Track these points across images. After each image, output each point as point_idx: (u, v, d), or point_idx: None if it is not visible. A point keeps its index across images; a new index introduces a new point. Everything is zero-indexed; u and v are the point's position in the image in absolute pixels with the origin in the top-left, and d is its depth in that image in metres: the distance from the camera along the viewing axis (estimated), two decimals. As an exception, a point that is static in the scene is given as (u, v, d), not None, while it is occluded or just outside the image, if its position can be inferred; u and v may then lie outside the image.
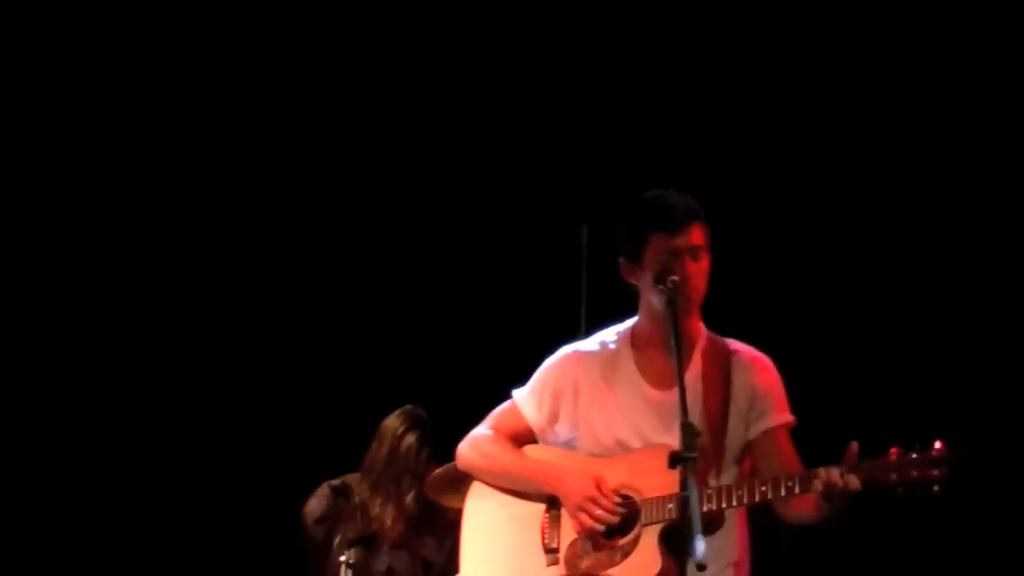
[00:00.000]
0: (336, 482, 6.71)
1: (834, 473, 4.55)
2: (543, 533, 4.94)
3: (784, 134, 7.07)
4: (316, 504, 6.68)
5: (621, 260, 4.97)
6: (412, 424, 6.73)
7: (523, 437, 5.08)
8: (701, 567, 4.23)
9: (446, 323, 7.53)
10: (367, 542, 6.51)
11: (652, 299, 4.89)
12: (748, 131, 7.08)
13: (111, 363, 7.59)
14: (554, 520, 4.93)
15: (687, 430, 4.42)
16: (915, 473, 4.51)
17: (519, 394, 5.10)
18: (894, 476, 4.53)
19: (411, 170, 7.45)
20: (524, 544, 4.95)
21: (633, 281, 4.97)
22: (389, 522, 6.55)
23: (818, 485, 4.57)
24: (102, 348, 7.58)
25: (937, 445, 4.55)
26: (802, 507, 4.76)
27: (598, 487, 4.81)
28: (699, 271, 4.84)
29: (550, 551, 4.91)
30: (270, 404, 7.65)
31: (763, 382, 4.93)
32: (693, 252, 4.83)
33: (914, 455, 4.54)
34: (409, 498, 6.56)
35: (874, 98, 7.00)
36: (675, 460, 4.41)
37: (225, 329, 7.65)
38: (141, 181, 7.47)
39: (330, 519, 6.64)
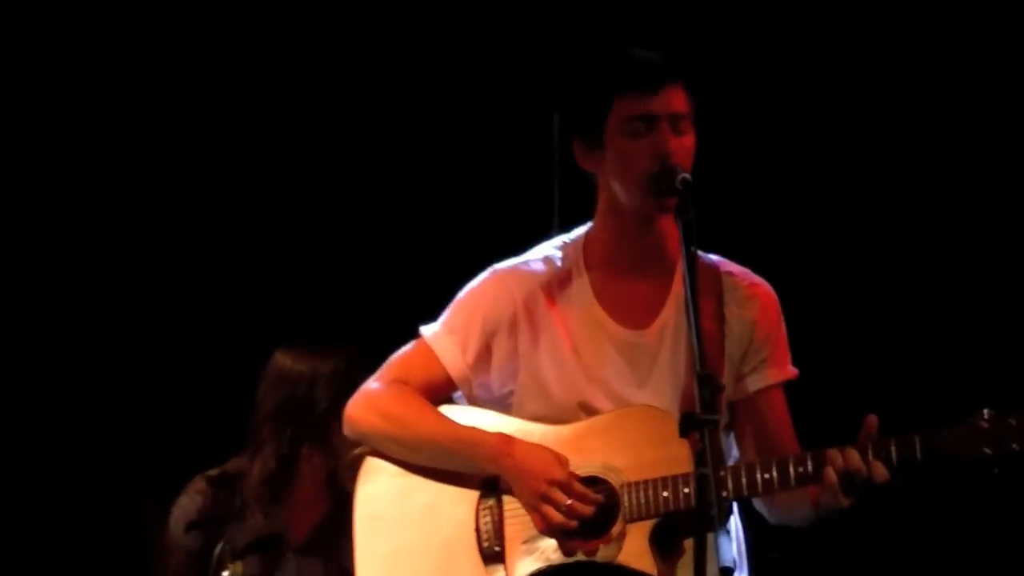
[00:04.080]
0: (214, 472, 5.09)
1: (853, 456, 3.58)
2: (478, 531, 3.81)
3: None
4: (188, 503, 5.04)
5: (575, 141, 3.91)
6: (320, 362, 5.04)
7: (438, 392, 3.95)
8: (727, 571, 3.16)
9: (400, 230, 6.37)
10: (265, 545, 4.99)
11: (619, 193, 3.82)
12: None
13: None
14: (493, 511, 3.82)
15: (706, 382, 3.28)
16: (1016, 446, 3.59)
17: (431, 332, 3.95)
18: (988, 450, 3.59)
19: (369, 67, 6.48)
20: (448, 546, 3.84)
21: (591, 168, 3.90)
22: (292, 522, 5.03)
23: (831, 473, 3.60)
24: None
25: None
26: (788, 502, 3.77)
27: (564, 466, 3.74)
28: (683, 148, 3.77)
29: (490, 557, 3.78)
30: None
31: (765, 320, 3.91)
32: (674, 121, 3.77)
33: (1012, 421, 3.60)
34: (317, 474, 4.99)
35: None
36: (689, 424, 3.26)
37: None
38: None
39: (210, 522, 5.01)
